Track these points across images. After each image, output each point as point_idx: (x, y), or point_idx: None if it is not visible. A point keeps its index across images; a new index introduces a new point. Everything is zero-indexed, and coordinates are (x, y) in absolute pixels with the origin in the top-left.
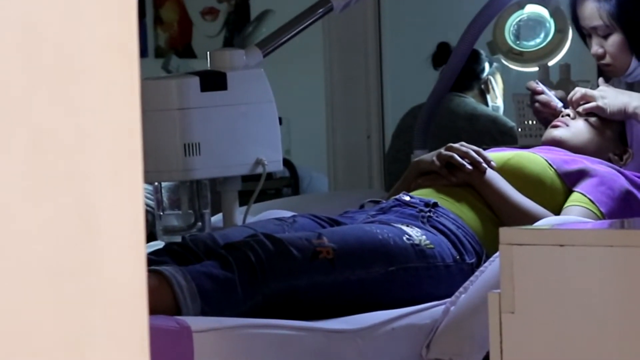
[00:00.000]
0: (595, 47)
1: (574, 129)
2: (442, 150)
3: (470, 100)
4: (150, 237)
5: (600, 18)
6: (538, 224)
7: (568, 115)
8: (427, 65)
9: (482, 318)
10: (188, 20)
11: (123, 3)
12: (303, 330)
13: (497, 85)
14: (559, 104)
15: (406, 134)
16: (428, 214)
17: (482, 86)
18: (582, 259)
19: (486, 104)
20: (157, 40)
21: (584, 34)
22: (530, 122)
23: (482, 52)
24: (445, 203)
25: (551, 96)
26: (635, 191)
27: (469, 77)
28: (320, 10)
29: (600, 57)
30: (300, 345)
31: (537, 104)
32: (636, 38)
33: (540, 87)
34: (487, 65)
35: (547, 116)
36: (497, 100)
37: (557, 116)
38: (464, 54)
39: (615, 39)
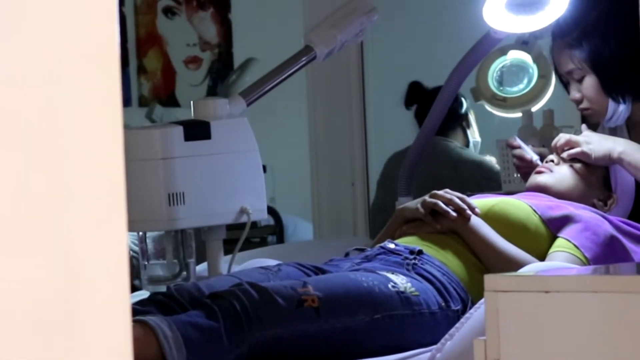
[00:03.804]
0: (573, 92)
1: (558, 174)
2: (427, 198)
3: (454, 145)
4: (135, 287)
5: (572, 62)
6: (523, 270)
7: (552, 161)
8: (411, 111)
9: None
10: (171, 69)
11: (105, 52)
12: None
13: (473, 120)
14: (534, 157)
15: (390, 181)
16: (413, 261)
17: (463, 123)
18: (567, 305)
19: (468, 141)
20: (140, 89)
21: (564, 82)
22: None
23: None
24: (430, 250)
25: (526, 150)
26: (619, 236)
27: (452, 119)
28: (304, 58)
29: (578, 101)
30: None
31: (514, 159)
32: (607, 79)
33: (517, 142)
34: (463, 100)
35: (527, 171)
36: (475, 135)
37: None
38: (447, 100)
39: (589, 81)
